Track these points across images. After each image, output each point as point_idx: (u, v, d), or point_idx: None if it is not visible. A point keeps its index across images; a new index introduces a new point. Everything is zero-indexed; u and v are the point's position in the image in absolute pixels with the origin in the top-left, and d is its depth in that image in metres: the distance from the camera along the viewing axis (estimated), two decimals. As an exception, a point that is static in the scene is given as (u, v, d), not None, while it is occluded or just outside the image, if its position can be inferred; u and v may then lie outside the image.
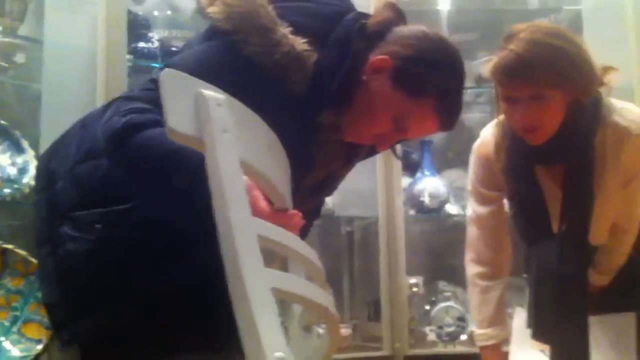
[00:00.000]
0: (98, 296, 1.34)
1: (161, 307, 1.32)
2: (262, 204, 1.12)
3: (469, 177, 1.90)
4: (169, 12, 2.67)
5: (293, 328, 1.18)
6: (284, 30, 1.30)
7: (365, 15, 1.43)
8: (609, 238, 1.80)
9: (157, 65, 2.31)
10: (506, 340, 1.90)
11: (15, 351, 2.06)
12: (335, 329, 1.12)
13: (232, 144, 0.95)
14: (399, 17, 1.42)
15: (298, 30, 1.32)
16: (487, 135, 1.82)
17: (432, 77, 1.35)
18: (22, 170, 2.23)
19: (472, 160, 1.87)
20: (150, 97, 1.31)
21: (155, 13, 2.61)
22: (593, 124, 1.66)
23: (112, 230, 1.32)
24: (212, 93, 1.01)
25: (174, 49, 2.40)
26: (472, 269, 1.88)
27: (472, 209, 1.89)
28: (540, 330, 1.76)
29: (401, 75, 1.35)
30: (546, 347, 1.84)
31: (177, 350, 1.34)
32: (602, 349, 1.83)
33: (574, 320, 1.70)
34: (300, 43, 1.31)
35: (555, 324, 1.71)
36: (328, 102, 1.35)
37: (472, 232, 1.88)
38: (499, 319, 1.85)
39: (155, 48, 2.40)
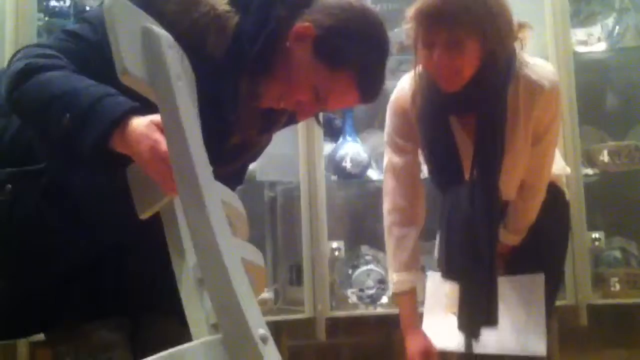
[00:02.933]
0: (8, 259, 1.30)
1: (70, 271, 1.29)
2: (164, 147, 1.07)
3: (386, 128, 1.93)
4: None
5: (184, 280, 1.15)
6: None
7: None
8: (519, 196, 1.87)
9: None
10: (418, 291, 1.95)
11: None
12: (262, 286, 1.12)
13: (187, 94, 0.93)
14: None
15: None
16: (404, 86, 1.86)
17: (353, 49, 1.33)
18: None
19: (389, 111, 1.90)
20: (64, 48, 1.26)
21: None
22: (507, 76, 1.72)
23: (22, 191, 1.28)
24: (162, 31, 0.97)
25: (87, 7, 2.31)
26: (388, 218, 1.92)
27: (388, 158, 1.92)
28: (449, 269, 1.83)
29: (323, 45, 1.33)
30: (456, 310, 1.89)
31: (86, 314, 1.31)
32: (512, 309, 1.89)
33: (482, 260, 1.76)
34: (222, 4, 1.27)
35: (464, 265, 1.78)
36: (247, 67, 1.31)
37: (388, 182, 1.93)
38: (413, 264, 1.90)
39: (68, 7, 2.30)
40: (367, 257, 2.78)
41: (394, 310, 2.20)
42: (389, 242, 1.92)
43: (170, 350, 0.93)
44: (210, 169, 1.02)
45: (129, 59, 0.99)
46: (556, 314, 2.10)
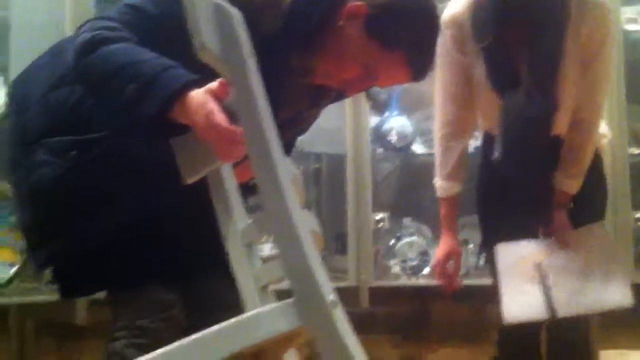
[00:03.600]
0: (70, 220, 1.39)
1: (129, 233, 1.36)
2: (219, 117, 1.15)
3: (438, 48, 2.01)
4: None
5: (233, 242, 1.24)
6: None
7: None
8: (574, 130, 1.95)
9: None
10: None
11: None
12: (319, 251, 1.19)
13: (257, 71, 0.99)
14: None
15: None
16: (457, 4, 1.96)
17: (405, 29, 1.37)
18: None
19: (443, 27, 1.91)
20: (126, 21, 1.33)
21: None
22: None
23: (86, 158, 1.36)
24: (233, 8, 1.02)
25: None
26: (438, 131, 2.08)
27: (440, 75, 2.02)
28: (507, 165, 1.96)
29: (375, 24, 1.37)
30: (536, 277, 1.97)
31: (145, 275, 1.39)
32: (586, 264, 1.96)
33: (538, 152, 1.92)
34: None
35: (521, 159, 1.92)
36: (300, 44, 1.36)
37: (438, 98, 2.06)
38: (457, 175, 2.07)
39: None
40: (410, 229, 2.86)
41: (434, 282, 2.30)
42: (438, 152, 2.09)
43: (248, 314, 1.01)
44: (279, 143, 1.09)
45: (207, 34, 1.05)
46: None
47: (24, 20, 2.16)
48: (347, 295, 2.67)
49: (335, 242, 2.82)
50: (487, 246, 2.13)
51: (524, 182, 1.97)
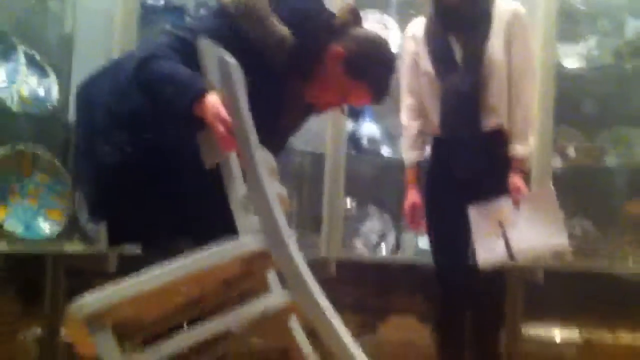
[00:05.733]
0: (126, 194, 1.86)
1: (170, 204, 1.84)
2: (224, 113, 1.59)
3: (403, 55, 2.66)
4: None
5: (236, 206, 1.68)
6: (275, 20, 1.80)
7: (332, 14, 1.94)
8: (515, 107, 2.50)
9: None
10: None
11: (45, 228, 2.62)
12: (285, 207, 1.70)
13: (243, 94, 1.58)
14: (357, 19, 1.95)
15: (283, 20, 1.82)
16: (415, 24, 2.65)
17: (370, 67, 1.89)
18: (48, 92, 2.74)
19: (405, 39, 2.68)
20: (170, 45, 1.80)
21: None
22: (489, 1, 2.48)
23: (138, 152, 1.84)
24: (231, 58, 1.62)
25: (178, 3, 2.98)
26: (402, 114, 2.69)
27: (403, 73, 2.66)
28: (445, 127, 2.53)
29: (349, 63, 1.86)
30: (499, 231, 2.47)
31: (174, 232, 1.85)
32: (534, 218, 2.46)
33: (469, 115, 2.48)
34: (283, 30, 1.81)
35: (456, 121, 2.50)
36: (297, 74, 1.88)
37: (402, 91, 2.67)
38: (416, 147, 2.68)
39: (161, 4, 2.97)
40: (374, 215, 3.37)
41: (391, 259, 2.94)
42: (404, 130, 2.70)
43: (237, 239, 1.55)
44: (256, 136, 1.56)
45: (212, 74, 1.64)
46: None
47: (84, 37, 2.67)
48: (318, 266, 3.16)
49: (312, 222, 3.27)
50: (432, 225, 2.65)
51: (462, 151, 2.49)
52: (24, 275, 2.89)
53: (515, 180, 2.51)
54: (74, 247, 2.66)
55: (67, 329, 1.33)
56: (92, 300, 1.31)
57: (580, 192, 3.40)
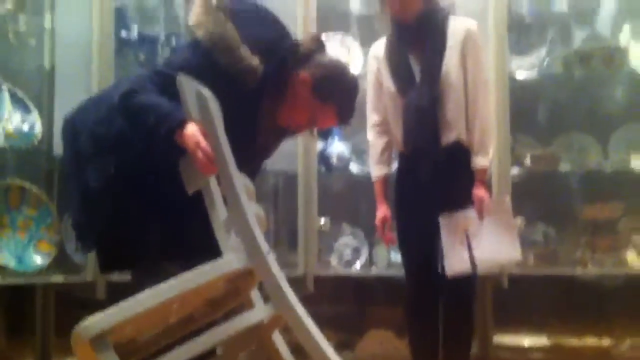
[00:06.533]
0: (111, 216, 1.95)
1: (155, 227, 1.93)
2: (203, 143, 1.71)
3: (368, 78, 2.80)
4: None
5: (219, 229, 1.76)
6: (245, 50, 1.93)
7: (297, 43, 2.07)
8: (473, 120, 2.63)
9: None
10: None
11: (37, 260, 2.72)
12: (263, 227, 1.81)
13: (220, 124, 1.73)
14: (321, 47, 2.10)
15: (253, 50, 1.94)
16: (377, 46, 2.77)
17: (335, 92, 2.04)
18: (32, 127, 2.86)
19: (369, 59, 2.79)
20: (151, 79, 1.92)
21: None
22: (443, 19, 2.62)
23: (121, 174, 1.94)
24: (207, 91, 1.78)
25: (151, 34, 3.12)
26: (368, 132, 2.80)
27: (368, 93, 2.78)
28: (407, 140, 2.65)
29: (316, 87, 2.00)
30: (464, 241, 2.56)
31: (161, 256, 1.92)
32: (489, 230, 2.59)
33: (428, 128, 2.60)
34: (254, 59, 1.94)
35: (417, 134, 2.62)
36: (268, 99, 2.01)
37: (369, 106, 2.79)
38: (383, 162, 2.78)
39: (135, 37, 3.09)
40: (347, 232, 3.49)
41: (365, 273, 3.08)
42: (371, 147, 2.81)
43: (218, 259, 1.68)
44: (234, 162, 1.69)
45: (191, 106, 1.78)
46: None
47: (63, 71, 2.80)
48: (296, 283, 3.24)
49: (287, 240, 3.39)
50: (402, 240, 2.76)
51: (425, 164, 2.60)
52: (13, 306, 2.96)
53: (479, 191, 2.63)
54: (62, 276, 2.75)
55: (76, 351, 1.45)
56: (96, 321, 1.44)
57: (539, 198, 3.55)
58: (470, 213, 2.62)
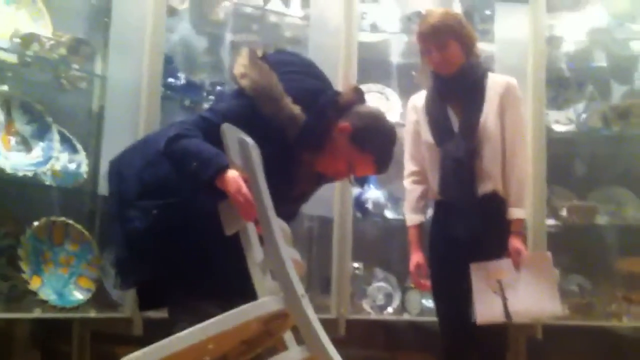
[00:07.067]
0: (153, 256, 2.00)
1: (194, 267, 1.97)
2: (245, 189, 1.77)
3: (406, 125, 2.87)
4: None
5: (255, 271, 1.81)
6: (287, 100, 2.00)
7: (338, 93, 2.13)
8: (509, 171, 2.66)
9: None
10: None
11: (77, 295, 2.75)
12: (300, 271, 1.85)
13: (261, 171, 1.79)
14: (360, 97, 2.15)
15: (295, 100, 2.01)
16: (415, 97, 2.85)
17: (373, 141, 2.08)
18: (78, 166, 2.94)
19: (408, 110, 2.87)
20: (197, 125, 1.98)
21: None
22: (482, 74, 2.67)
23: (163, 215, 2.00)
24: (249, 139, 1.85)
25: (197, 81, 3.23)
26: (405, 179, 2.83)
27: (406, 142, 2.84)
28: (444, 191, 2.68)
29: (355, 137, 2.04)
30: (498, 290, 2.55)
31: (201, 296, 1.95)
32: (531, 282, 2.58)
33: (466, 181, 2.63)
34: (295, 109, 2.01)
35: (455, 186, 2.64)
36: (309, 146, 2.06)
37: (405, 158, 2.83)
38: (419, 209, 2.81)
39: (182, 83, 3.21)
40: (379, 276, 3.52)
41: (397, 317, 3.07)
42: (406, 194, 2.84)
43: (254, 302, 1.71)
44: (273, 207, 1.74)
45: (234, 154, 1.84)
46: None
47: (111, 114, 2.89)
48: (328, 325, 3.28)
49: (321, 284, 3.42)
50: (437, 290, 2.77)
51: (460, 214, 2.62)
52: (50, 341, 3.01)
53: (515, 242, 2.64)
54: (99, 312, 2.79)
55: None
56: (135, 358, 1.49)
57: (574, 250, 3.56)
58: (505, 263, 2.63)
